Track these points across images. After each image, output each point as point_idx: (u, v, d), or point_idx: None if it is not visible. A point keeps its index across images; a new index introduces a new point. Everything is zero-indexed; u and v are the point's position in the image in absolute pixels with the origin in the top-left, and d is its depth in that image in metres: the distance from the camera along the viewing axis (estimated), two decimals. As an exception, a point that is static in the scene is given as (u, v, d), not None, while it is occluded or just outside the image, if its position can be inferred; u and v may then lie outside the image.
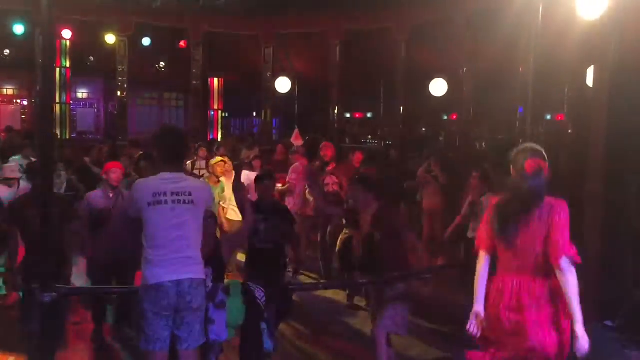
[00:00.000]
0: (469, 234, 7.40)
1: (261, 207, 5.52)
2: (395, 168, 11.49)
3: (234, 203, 7.80)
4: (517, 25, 7.83)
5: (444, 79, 13.61)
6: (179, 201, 3.80)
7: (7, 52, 16.54)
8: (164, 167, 3.91)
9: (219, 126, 18.89)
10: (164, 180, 3.85)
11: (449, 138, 16.32)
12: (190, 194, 3.84)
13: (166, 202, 3.78)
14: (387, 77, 14.75)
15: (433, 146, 15.39)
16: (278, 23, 14.60)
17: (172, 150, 3.95)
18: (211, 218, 4.36)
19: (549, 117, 15.69)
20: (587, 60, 7.87)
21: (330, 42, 14.38)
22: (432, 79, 13.82)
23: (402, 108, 13.89)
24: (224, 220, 7.91)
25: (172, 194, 3.80)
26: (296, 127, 12.19)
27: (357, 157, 9.25)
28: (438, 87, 13.79)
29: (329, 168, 8.34)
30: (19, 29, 14.75)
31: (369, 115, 20.74)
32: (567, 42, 7.31)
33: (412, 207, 10.13)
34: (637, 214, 5.75)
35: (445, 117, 18.62)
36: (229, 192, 7.72)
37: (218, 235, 5.43)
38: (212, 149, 10.34)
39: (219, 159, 7.94)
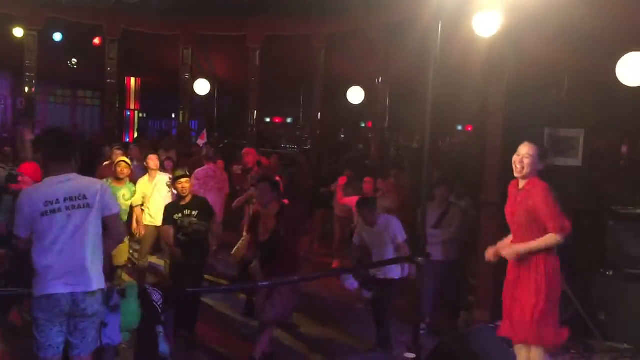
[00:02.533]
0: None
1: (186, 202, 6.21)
2: (310, 173, 11.66)
3: (152, 207, 7.67)
4: (426, 38, 8.14)
5: (361, 87, 13.91)
6: (73, 206, 3.67)
7: None
8: (52, 169, 3.80)
9: (135, 127, 18.47)
10: (54, 184, 3.71)
11: (366, 145, 16.67)
12: (85, 197, 3.72)
13: (60, 209, 3.64)
14: (307, 83, 14.89)
15: (351, 152, 15.73)
16: (198, 24, 14.40)
17: (57, 150, 3.82)
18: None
19: (460, 127, 16.34)
20: (489, 74, 8.28)
21: (250, 46, 14.35)
22: (350, 87, 14.09)
23: (319, 114, 14.04)
24: (138, 221, 7.83)
25: (65, 199, 3.66)
26: (205, 129, 12.12)
27: (273, 161, 9.36)
28: (355, 95, 14.07)
29: (252, 174, 8.43)
30: None
31: (289, 120, 20.85)
32: (470, 57, 7.67)
33: (327, 213, 10.32)
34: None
35: (363, 125, 19.01)
36: (148, 195, 7.71)
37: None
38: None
39: (120, 158, 7.77)
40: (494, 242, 4.66)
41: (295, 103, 18.58)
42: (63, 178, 3.74)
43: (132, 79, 17.65)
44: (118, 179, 7.42)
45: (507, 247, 4.34)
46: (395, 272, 5.99)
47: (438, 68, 4.92)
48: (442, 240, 6.48)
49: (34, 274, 3.68)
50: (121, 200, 7.30)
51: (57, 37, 14.40)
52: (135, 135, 17.52)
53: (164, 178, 7.85)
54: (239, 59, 15.02)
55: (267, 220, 5.42)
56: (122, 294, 4.16)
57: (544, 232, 4.17)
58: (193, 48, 14.81)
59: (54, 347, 3.69)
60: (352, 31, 12.86)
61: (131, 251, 8.48)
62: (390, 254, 5.97)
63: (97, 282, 3.76)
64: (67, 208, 3.66)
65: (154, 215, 7.67)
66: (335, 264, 9.67)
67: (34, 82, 14.22)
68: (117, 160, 7.67)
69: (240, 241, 7.35)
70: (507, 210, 4.50)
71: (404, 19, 10.40)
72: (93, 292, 3.72)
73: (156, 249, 8.55)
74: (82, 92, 22.35)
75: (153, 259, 8.15)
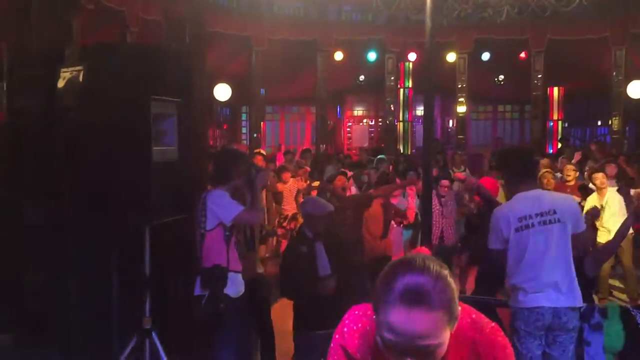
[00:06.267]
0: None
1: None
2: None
3: (607, 226, 7.12)
4: None
5: None
6: (544, 222, 3.71)
7: (361, 77, 18.54)
8: (520, 186, 3.86)
9: (559, 137, 18.00)
10: (525, 201, 3.79)
11: None
12: (554, 212, 3.72)
13: (532, 224, 3.72)
14: None
15: None
16: (631, 21, 13.23)
17: (524, 168, 3.91)
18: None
19: None
20: None
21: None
22: None
23: None
24: None
25: (537, 215, 3.72)
26: None
27: None
28: None
29: None
30: (371, 55, 16.46)
31: None
32: None
33: None
34: None
35: None
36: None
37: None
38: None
39: (544, 170, 7.45)
40: None
41: None
42: (531, 194, 3.81)
43: (555, 89, 17.29)
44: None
45: None
46: None
47: None
48: None
49: (513, 287, 3.80)
50: None
51: (485, 56, 15.15)
52: (559, 145, 17.07)
53: (614, 195, 7.25)
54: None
55: None
56: (603, 313, 3.98)
57: None
58: (626, 48, 13.65)
59: (534, 358, 3.76)
60: None
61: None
62: None
63: (576, 298, 3.70)
64: (539, 223, 3.71)
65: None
66: None
67: (464, 102, 15.30)
68: (542, 172, 7.40)
69: None
70: None
71: None
72: (574, 308, 3.69)
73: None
74: (502, 106, 23.01)
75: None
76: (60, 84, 3.35)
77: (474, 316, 1.65)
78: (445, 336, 1.45)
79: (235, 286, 3.82)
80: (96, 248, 3.51)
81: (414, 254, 1.50)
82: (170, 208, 3.34)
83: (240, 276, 3.91)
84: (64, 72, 3.38)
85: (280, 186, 8.48)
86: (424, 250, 1.64)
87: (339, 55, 15.60)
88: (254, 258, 4.79)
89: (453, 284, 1.41)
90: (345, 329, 1.63)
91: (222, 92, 14.01)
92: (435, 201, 6.71)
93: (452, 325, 1.43)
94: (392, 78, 16.31)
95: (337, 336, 1.64)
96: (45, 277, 3.76)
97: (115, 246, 3.42)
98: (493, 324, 1.67)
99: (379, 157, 9.69)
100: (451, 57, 15.37)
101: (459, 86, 15.25)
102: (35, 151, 3.79)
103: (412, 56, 15.36)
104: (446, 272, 1.42)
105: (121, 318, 3.49)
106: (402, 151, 16.40)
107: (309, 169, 9.11)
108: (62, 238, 3.50)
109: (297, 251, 4.23)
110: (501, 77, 16.58)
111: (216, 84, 13.89)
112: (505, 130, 22.86)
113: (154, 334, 3.28)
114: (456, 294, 1.43)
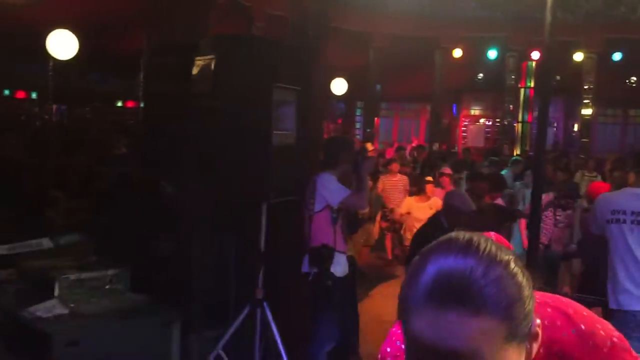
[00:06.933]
0: None
1: None
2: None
3: None
4: None
5: None
6: (637, 222, 3.61)
7: (480, 76, 18.16)
8: (635, 182, 3.78)
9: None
10: (625, 196, 3.72)
11: None
12: None
13: (624, 221, 3.63)
14: None
15: None
16: None
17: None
18: None
19: None
20: None
21: None
22: None
23: None
24: None
25: (632, 213, 3.62)
26: None
27: None
28: None
29: None
30: (492, 54, 16.08)
31: None
32: None
33: None
34: None
35: None
36: None
37: None
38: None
39: None
40: None
41: None
42: (634, 191, 3.70)
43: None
44: None
45: None
46: None
47: None
48: None
49: (610, 282, 3.72)
50: None
51: (617, 56, 14.33)
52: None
53: None
54: None
55: None
56: None
57: None
58: None
59: None
60: None
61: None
62: None
63: None
64: (632, 222, 3.62)
65: None
66: None
67: (590, 104, 14.54)
68: None
69: None
70: None
71: None
72: None
73: None
74: (633, 111, 21.53)
75: None
76: (194, 71, 3.68)
77: (583, 327, 1.07)
78: None
79: (340, 266, 4.03)
80: (218, 223, 3.84)
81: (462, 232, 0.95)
82: (285, 189, 3.60)
83: (344, 257, 4.12)
84: (198, 60, 3.72)
85: (388, 178, 8.74)
86: (495, 236, 1.05)
87: (458, 53, 15.39)
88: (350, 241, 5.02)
89: (521, 276, 0.86)
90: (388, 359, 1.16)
91: (339, 86, 14.30)
92: (549, 210, 6.45)
93: (520, 345, 0.85)
94: (513, 77, 15.84)
95: None
96: (172, 247, 4.14)
97: (235, 222, 3.73)
98: (615, 335, 1.09)
99: (513, 158, 9.80)
100: (578, 56, 14.65)
101: (586, 87, 14.50)
102: (169, 132, 4.18)
103: (535, 55, 14.81)
104: (509, 257, 0.87)
105: (237, 288, 3.80)
106: (520, 153, 15.91)
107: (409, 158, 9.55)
108: (190, 212, 3.85)
109: (432, 236, 4.35)
110: (633, 78, 15.56)
111: (333, 78, 14.21)
112: (637, 136, 21.39)
113: (265, 304, 3.54)
114: (527, 294, 0.85)
